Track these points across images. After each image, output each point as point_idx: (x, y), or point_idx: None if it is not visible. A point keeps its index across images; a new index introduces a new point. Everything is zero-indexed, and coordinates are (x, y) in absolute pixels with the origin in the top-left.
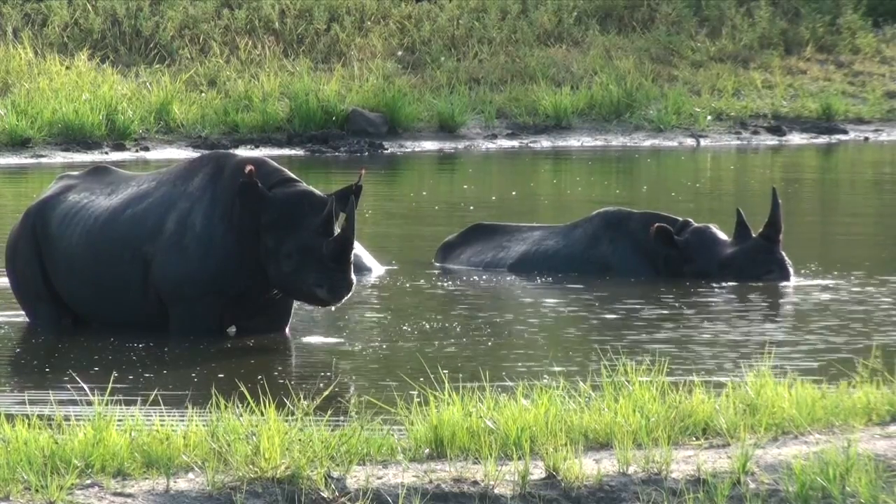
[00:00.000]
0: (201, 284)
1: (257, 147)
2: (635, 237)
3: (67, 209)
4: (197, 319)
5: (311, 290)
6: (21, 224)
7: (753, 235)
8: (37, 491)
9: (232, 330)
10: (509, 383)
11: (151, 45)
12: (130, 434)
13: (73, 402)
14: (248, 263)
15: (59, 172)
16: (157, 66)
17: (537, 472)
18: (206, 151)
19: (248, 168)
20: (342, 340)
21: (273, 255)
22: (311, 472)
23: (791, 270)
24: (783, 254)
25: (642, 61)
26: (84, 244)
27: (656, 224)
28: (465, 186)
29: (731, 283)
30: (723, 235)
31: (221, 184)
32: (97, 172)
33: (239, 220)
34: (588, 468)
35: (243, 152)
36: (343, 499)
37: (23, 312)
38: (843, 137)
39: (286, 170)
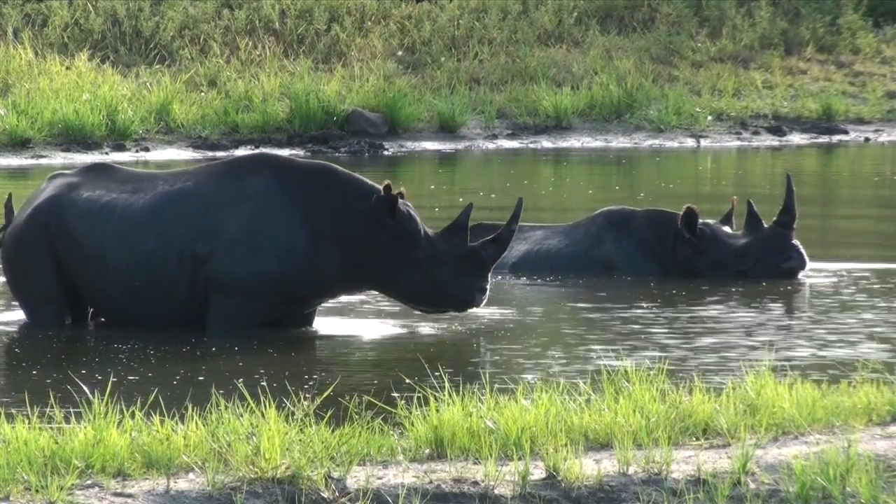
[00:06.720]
0: (272, 284)
1: (257, 147)
2: (639, 235)
3: (88, 208)
4: (247, 315)
5: (471, 294)
6: (28, 224)
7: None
8: (37, 491)
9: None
10: (509, 383)
11: (151, 46)
12: (130, 434)
13: (74, 402)
14: (324, 269)
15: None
16: (158, 66)
17: (537, 472)
18: (208, 152)
19: (386, 182)
20: (342, 341)
21: (416, 265)
22: (312, 472)
23: (807, 258)
24: (797, 241)
25: (643, 61)
26: (120, 246)
27: (686, 206)
28: (465, 186)
29: (730, 283)
30: (728, 230)
31: (291, 186)
32: (99, 170)
33: (336, 230)
34: (588, 468)
35: (242, 153)
36: (343, 499)
37: (22, 312)
38: (843, 138)
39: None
